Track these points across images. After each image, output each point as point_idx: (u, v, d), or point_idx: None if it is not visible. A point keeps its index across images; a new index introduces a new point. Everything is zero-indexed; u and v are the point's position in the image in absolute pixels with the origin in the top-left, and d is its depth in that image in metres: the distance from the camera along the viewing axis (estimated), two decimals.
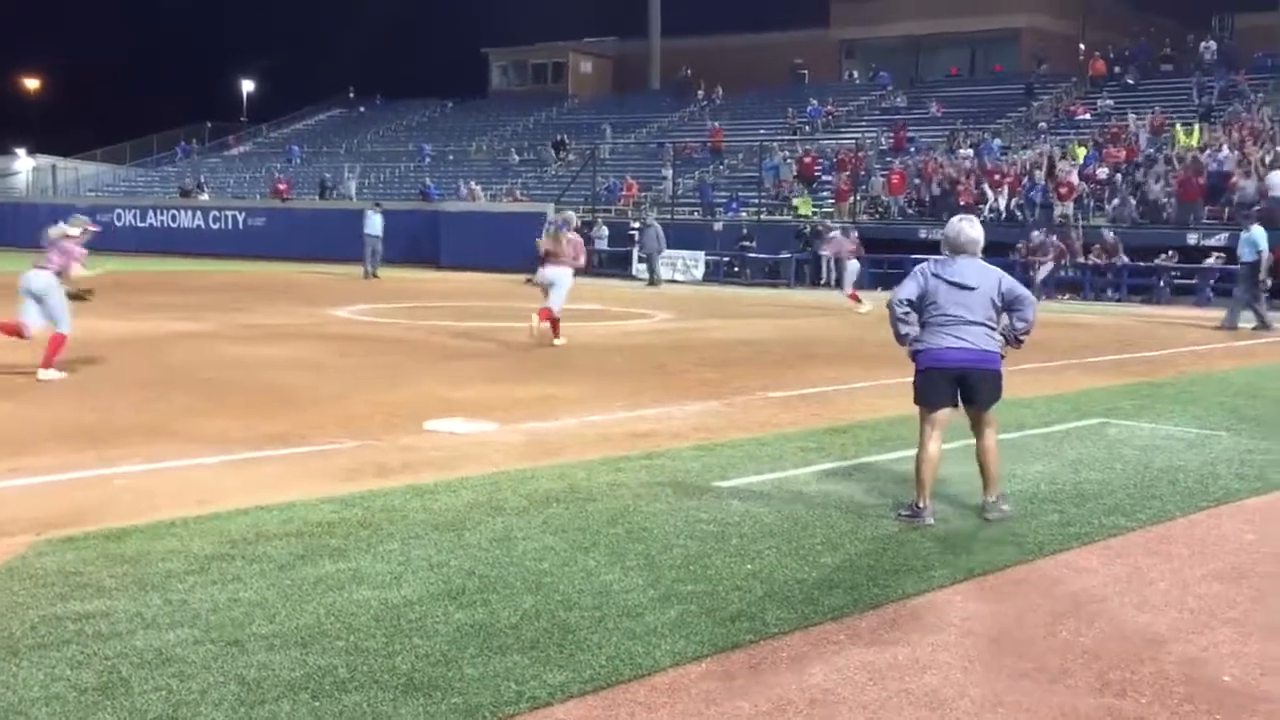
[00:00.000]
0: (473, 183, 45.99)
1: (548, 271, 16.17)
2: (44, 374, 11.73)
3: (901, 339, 7.12)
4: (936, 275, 6.96)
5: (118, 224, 49.05)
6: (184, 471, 7.84)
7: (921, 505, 6.94)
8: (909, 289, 7.01)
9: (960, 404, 7.09)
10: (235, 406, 10.45)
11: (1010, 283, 7.00)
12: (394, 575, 5.60)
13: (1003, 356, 7.07)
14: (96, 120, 66.76)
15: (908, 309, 7.01)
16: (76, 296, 12.32)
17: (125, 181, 60.03)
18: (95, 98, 72.66)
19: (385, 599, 5.26)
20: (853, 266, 25.62)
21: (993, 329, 6.97)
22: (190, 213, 47.52)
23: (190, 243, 45.30)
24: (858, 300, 23.58)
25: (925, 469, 6.96)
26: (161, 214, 48.46)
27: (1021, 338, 7.05)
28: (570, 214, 19.35)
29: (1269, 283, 21.44)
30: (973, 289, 6.89)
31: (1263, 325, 20.66)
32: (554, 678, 4.45)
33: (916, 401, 7.16)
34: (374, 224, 32.90)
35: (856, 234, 32.13)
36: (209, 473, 7.82)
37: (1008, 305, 6.96)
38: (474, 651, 4.67)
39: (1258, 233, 21.08)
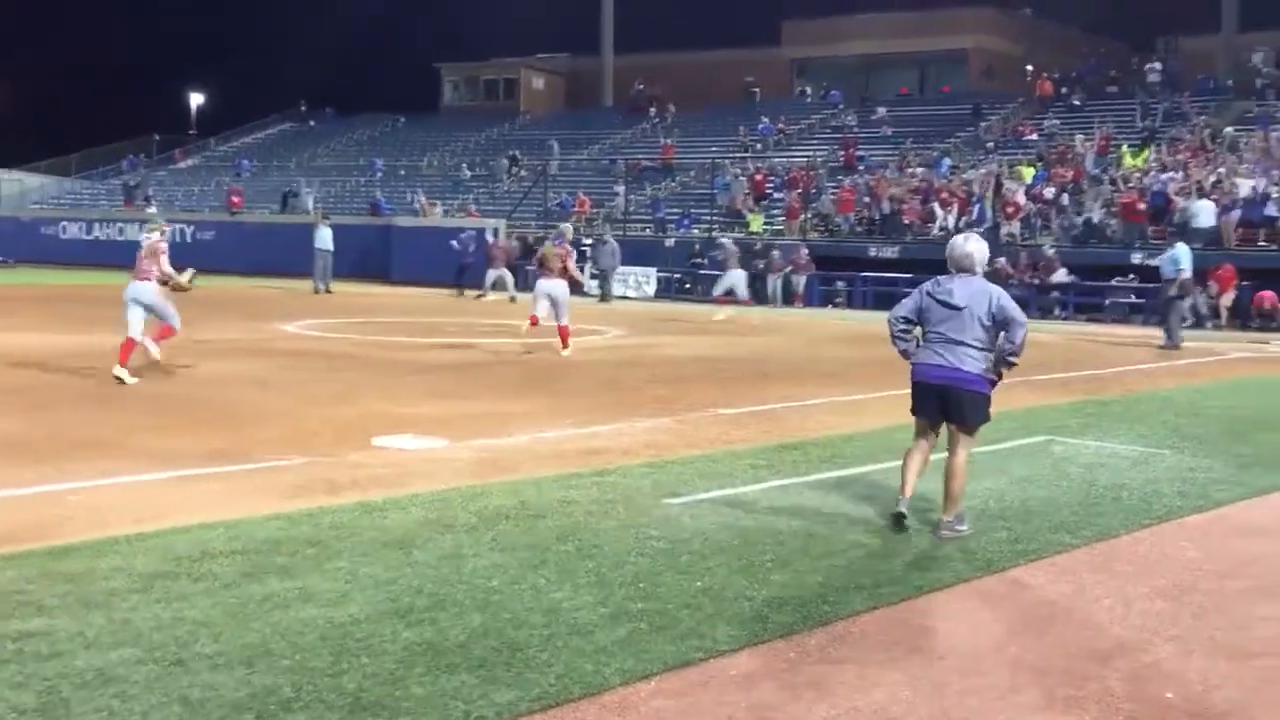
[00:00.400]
0: (422, 196, 45.80)
1: (543, 285, 17.15)
2: (154, 349, 13.34)
3: (901, 354, 7.35)
4: (930, 294, 7.14)
5: (63, 236, 48.55)
6: (129, 488, 7.74)
7: (899, 497, 7.21)
8: (906, 306, 7.29)
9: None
10: (182, 422, 10.34)
11: (1002, 304, 7.01)
12: (341, 593, 5.55)
13: (994, 381, 7.12)
14: (42, 131, 65.93)
15: (904, 325, 7.26)
16: (179, 288, 13.72)
17: (71, 194, 59.30)
18: (41, 109, 71.80)
19: (332, 618, 5.21)
20: (736, 275, 26.68)
21: (980, 349, 7.02)
22: (137, 225, 46.88)
23: (134, 256, 44.73)
24: (721, 306, 24.74)
25: (903, 466, 7.27)
26: (108, 227, 47.90)
27: (1010, 359, 7.07)
28: (567, 226, 20.50)
29: (1189, 302, 22.03)
30: (959, 309, 7.00)
31: (1171, 343, 21.01)
32: (502, 696, 4.42)
33: (910, 411, 7.41)
34: (324, 238, 32.51)
35: (807, 251, 32.51)
36: (155, 489, 7.72)
37: (1000, 326, 7.01)
38: (422, 670, 4.64)
39: (1181, 250, 21.49)
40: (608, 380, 14.43)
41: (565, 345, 17.08)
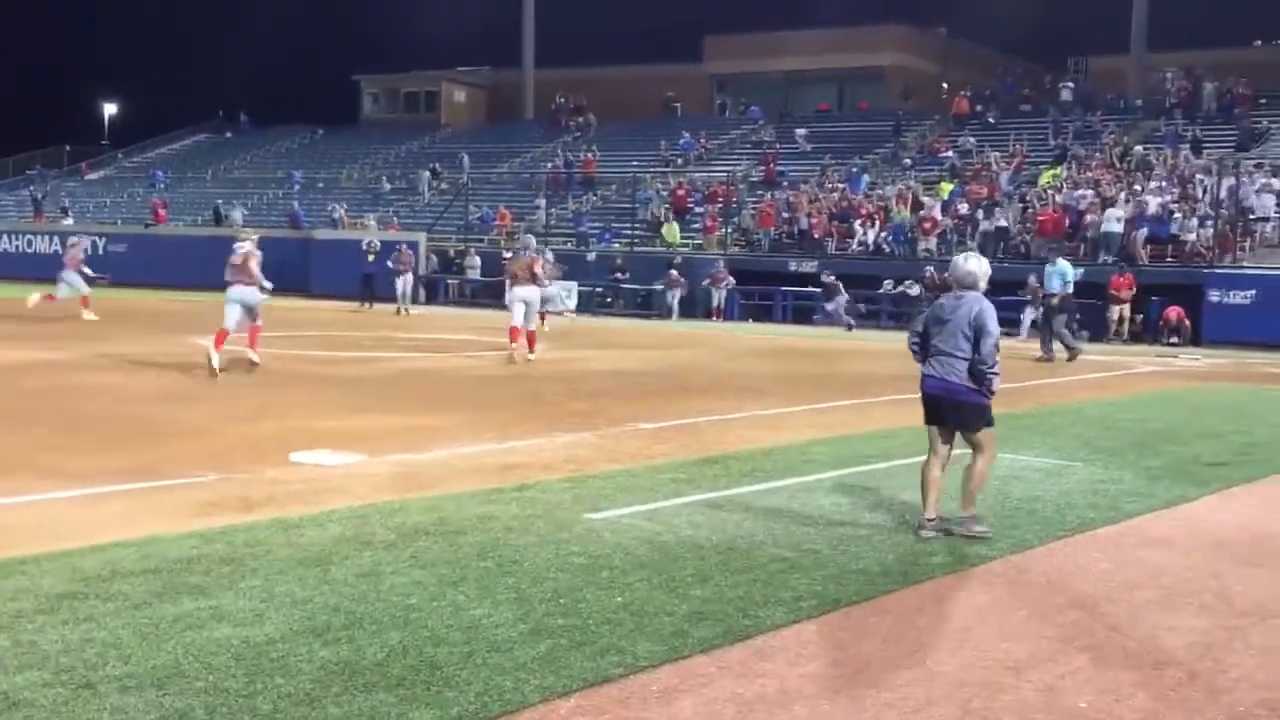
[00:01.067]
0: (341, 209, 45.36)
1: (518, 292, 18.29)
2: (255, 354, 15.65)
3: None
4: (933, 310, 7.66)
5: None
6: (37, 506, 7.56)
7: (925, 518, 7.50)
8: (916, 323, 7.85)
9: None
10: (93, 439, 10.13)
11: (980, 315, 7.36)
12: (256, 613, 5.46)
13: (984, 392, 7.42)
14: None
15: (915, 341, 7.74)
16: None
17: None
18: None
19: (247, 637, 5.13)
20: (548, 291, 27.00)
21: (963, 359, 7.37)
22: (47, 238, 46.05)
23: (46, 268, 43.74)
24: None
25: (922, 483, 7.58)
26: (16, 239, 46.92)
27: (980, 371, 7.36)
28: (529, 238, 21.96)
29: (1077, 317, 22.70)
30: (946, 321, 7.42)
31: (1074, 347, 21.63)
32: (421, 715, 4.38)
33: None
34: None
35: (722, 264, 32.83)
36: (63, 508, 7.56)
37: (975, 338, 7.35)
38: (338, 690, 4.58)
39: (1064, 265, 22.20)
40: (528, 394, 14.38)
41: (531, 350, 18.42)
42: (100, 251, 44.10)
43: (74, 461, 9.01)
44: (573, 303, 34.68)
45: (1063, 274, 21.86)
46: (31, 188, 57.90)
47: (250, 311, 15.82)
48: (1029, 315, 28.91)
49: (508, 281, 19.10)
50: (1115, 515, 8.35)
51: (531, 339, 18.62)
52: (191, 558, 6.31)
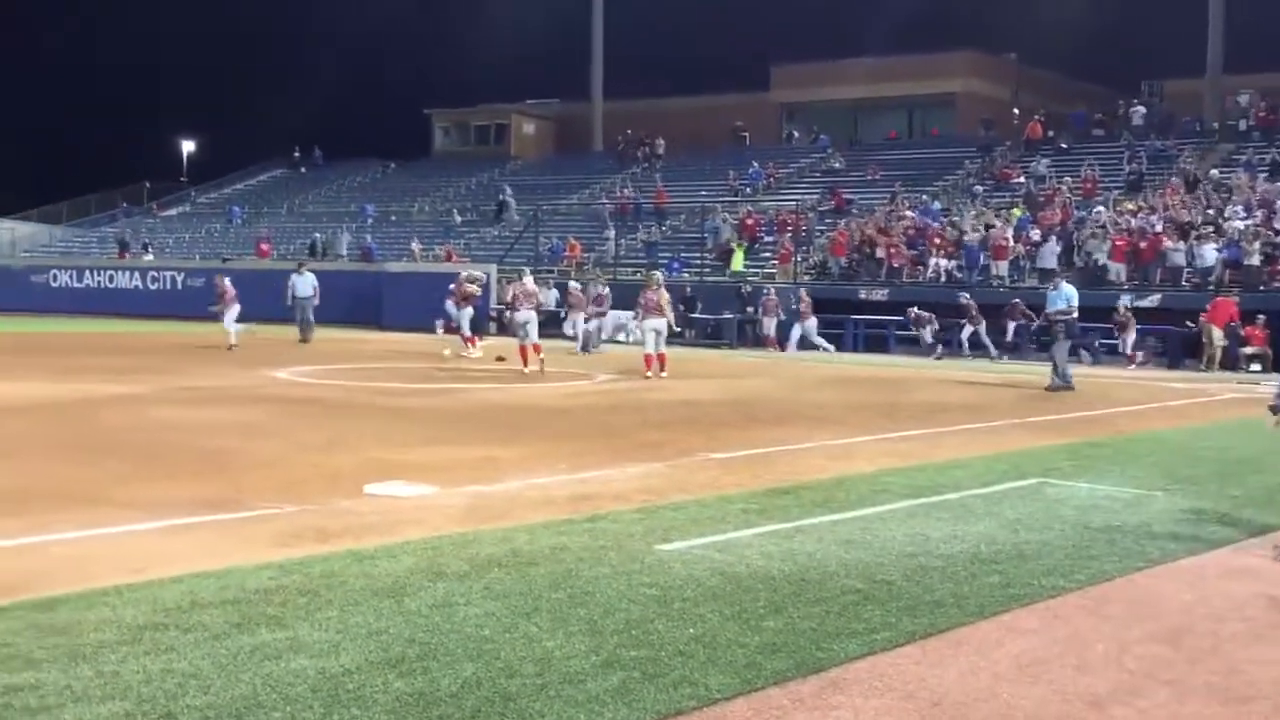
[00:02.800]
0: (419, 244, 45.82)
1: (649, 323, 21.55)
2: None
3: None
4: None
5: (53, 284, 48.51)
6: (118, 538, 7.69)
7: None
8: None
9: None
10: (171, 471, 10.30)
11: None
12: (332, 644, 5.51)
13: None
14: (33, 180, 66.09)
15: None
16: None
17: (62, 242, 59.36)
18: (31, 157, 71.96)
19: (323, 668, 5.17)
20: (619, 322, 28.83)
21: None
22: (128, 273, 47.06)
23: (128, 303, 44.77)
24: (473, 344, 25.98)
25: None
26: (99, 274, 47.95)
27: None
28: (524, 269, 24.97)
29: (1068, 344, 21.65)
30: None
31: (1063, 383, 20.55)
32: None
33: None
34: (303, 285, 31.08)
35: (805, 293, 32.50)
36: (144, 539, 7.68)
37: None
38: None
39: (1068, 289, 21.35)
40: (598, 425, 14.42)
41: (664, 369, 21.40)
42: (179, 286, 45.05)
43: (153, 493, 9.16)
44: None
45: (1068, 297, 21.01)
46: (116, 225, 59.30)
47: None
48: (966, 331, 29.22)
49: (567, 310, 22.73)
50: (1197, 546, 8.19)
51: (663, 360, 21.47)
52: (269, 589, 6.39)
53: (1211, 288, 29.40)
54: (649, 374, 21.09)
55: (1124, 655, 5.76)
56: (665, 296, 22.13)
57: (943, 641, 5.91)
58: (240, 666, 5.17)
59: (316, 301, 30.95)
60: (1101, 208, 35.00)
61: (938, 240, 34.91)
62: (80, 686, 4.88)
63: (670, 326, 22.54)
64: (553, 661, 5.35)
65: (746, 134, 55.09)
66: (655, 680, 5.14)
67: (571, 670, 5.24)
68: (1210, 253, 30.02)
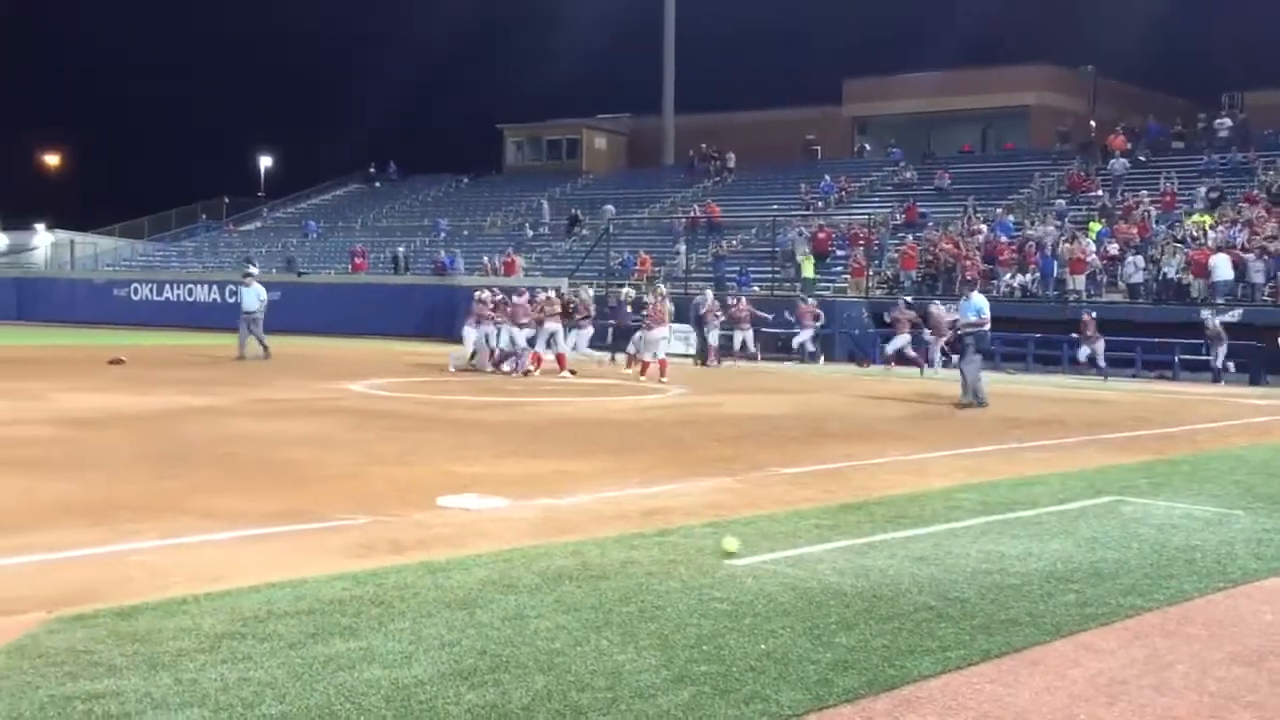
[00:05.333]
0: (502, 257, 46.07)
1: (550, 325, 24.13)
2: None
3: None
4: None
5: (134, 298, 49.45)
6: (196, 548, 7.82)
7: None
8: None
9: None
10: (249, 482, 10.45)
11: None
12: (405, 654, 5.56)
13: None
14: (114, 196, 67.58)
15: None
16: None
17: (143, 256, 60.56)
18: (114, 174, 73.58)
19: (396, 679, 5.22)
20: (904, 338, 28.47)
21: None
22: (206, 287, 47.85)
23: (206, 317, 45.54)
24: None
25: None
26: (178, 288, 48.80)
27: None
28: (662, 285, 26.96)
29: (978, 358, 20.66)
30: None
31: (973, 397, 19.55)
32: None
33: None
34: (249, 298, 28.03)
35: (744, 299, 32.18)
36: (221, 549, 7.80)
37: None
38: None
39: (978, 300, 20.25)
40: (669, 439, 14.42)
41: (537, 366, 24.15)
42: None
43: (231, 504, 9.30)
44: (679, 346, 33.75)
45: (978, 309, 19.88)
46: (195, 240, 60.46)
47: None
48: (1084, 351, 28.47)
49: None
50: None
51: (663, 366, 23.68)
52: (343, 599, 6.46)
53: None
54: (657, 377, 23.16)
55: (1205, 677, 5.65)
56: (669, 308, 24.86)
57: (1018, 660, 5.83)
58: (315, 676, 5.23)
59: (261, 316, 28.10)
60: (1182, 221, 34.47)
61: (1013, 254, 34.51)
62: (160, 694, 4.97)
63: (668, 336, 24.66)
64: (623, 675, 5.35)
65: (818, 147, 54.93)
66: (726, 696, 5.13)
67: (642, 685, 5.24)
68: None
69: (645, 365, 24.15)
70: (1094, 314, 28.99)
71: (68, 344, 32.53)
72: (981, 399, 19.44)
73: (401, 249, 49.96)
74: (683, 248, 42.89)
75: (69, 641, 5.62)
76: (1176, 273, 31.44)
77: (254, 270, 30.92)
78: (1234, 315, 29.10)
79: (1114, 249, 33.34)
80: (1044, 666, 5.76)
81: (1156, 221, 35.03)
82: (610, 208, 49.48)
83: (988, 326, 20.05)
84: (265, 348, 27.50)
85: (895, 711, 5.06)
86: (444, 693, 5.05)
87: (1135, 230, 34.29)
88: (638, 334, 25.75)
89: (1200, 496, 10.77)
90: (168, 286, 49.27)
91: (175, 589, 6.61)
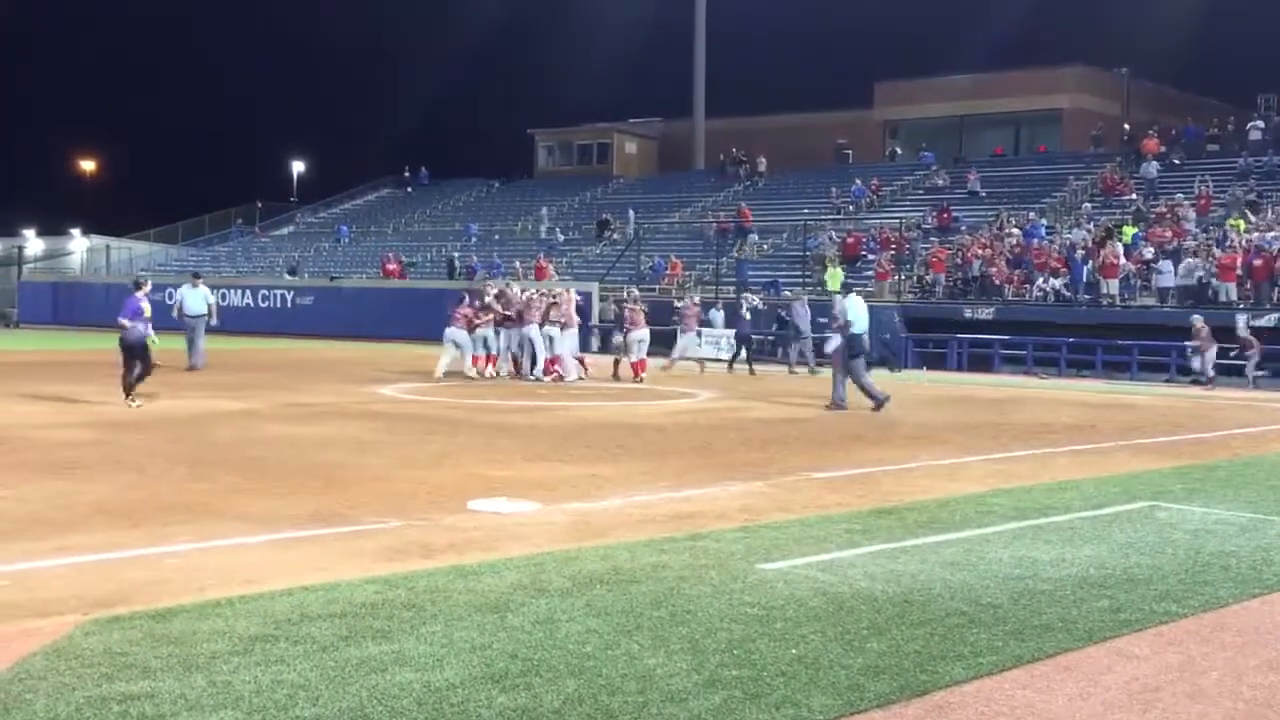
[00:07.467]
0: (542, 262, 46.11)
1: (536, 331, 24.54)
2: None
3: None
4: None
5: (168, 302, 49.76)
6: (229, 551, 7.88)
7: None
8: None
9: None
10: (281, 485, 10.51)
11: None
12: (437, 658, 5.59)
13: None
14: (150, 201, 68.21)
15: None
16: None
17: (178, 261, 60.95)
18: (149, 179, 74.24)
19: (428, 681, 5.24)
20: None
21: None
22: (239, 291, 48.14)
23: (238, 321, 45.80)
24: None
25: None
26: (213, 292, 49.02)
27: None
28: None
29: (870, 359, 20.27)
30: None
31: (837, 404, 19.36)
32: None
33: None
34: (192, 301, 26.42)
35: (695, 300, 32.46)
36: (254, 552, 7.85)
37: None
38: None
39: (853, 301, 19.65)
40: (700, 444, 14.41)
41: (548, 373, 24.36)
42: (289, 305, 46.10)
43: (264, 507, 9.37)
44: (715, 350, 33.85)
45: (844, 311, 19.26)
46: (229, 245, 60.86)
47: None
48: (1199, 361, 27.88)
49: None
50: None
51: (642, 365, 25.19)
52: (375, 602, 6.49)
53: None
54: (640, 377, 24.95)
55: (1240, 684, 5.60)
56: (643, 309, 26.41)
57: (1050, 666, 5.80)
58: (348, 678, 5.26)
59: (213, 321, 26.77)
60: (1215, 225, 34.19)
61: (1046, 258, 34.29)
62: (194, 695, 5.01)
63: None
64: (654, 680, 5.36)
65: (850, 151, 54.76)
66: (757, 700, 5.12)
67: (673, 689, 5.24)
68: None
69: (635, 366, 25.48)
70: (1201, 320, 27.46)
71: (103, 348, 32.76)
72: (842, 403, 19.33)
73: (456, 255, 49.82)
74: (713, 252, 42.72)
75: (105, 643, 5.67)
76: (1206, 278, 31.15)
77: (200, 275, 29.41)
78: (1270, 320, 28.79)
79: (1149, 253, 33.06)
80: (1077, 672, 5.72)
81: (1194, 225, 34.70)
82: (633, 212, 49.54)
83: (856, 330, 19.16)
84: (200, 356, 25.48)
85: (927, 717, 5.04)
86: (475, 696, 5.07)
87: (1170, 234, 34.00)
88: (618, 337, 26.83)
89: (1236, 502, 10.68)
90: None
91: (209, 591, 6.67)
